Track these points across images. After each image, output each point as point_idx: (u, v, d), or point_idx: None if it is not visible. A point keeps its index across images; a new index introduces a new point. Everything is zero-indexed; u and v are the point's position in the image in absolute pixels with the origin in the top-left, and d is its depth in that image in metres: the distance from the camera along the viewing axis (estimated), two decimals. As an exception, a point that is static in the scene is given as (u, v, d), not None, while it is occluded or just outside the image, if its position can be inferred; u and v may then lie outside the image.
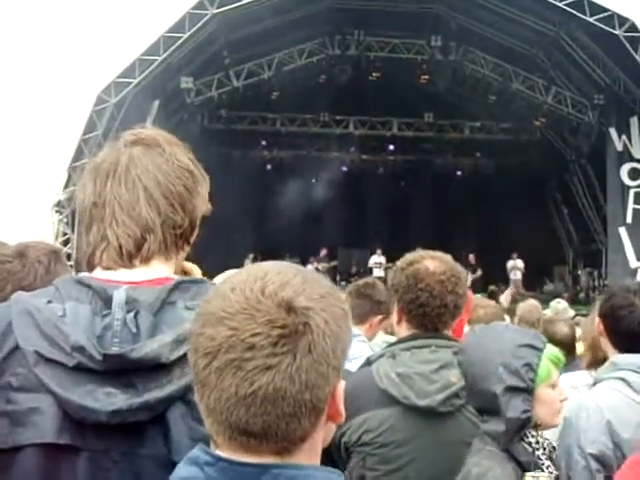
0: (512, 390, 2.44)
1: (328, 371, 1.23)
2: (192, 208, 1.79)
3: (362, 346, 4.37)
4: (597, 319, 3.23)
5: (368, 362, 3.00)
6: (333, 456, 3.08)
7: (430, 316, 2.89)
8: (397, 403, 2.80)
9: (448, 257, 3.02)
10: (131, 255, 1.73)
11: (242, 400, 1.19)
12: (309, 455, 1.27)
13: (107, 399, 1.54)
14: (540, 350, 2.50)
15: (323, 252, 26.76)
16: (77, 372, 1.55)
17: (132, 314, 1.62)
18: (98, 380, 1.55)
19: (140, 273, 1.72)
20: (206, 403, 1.23)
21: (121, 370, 1.56)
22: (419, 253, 3.02)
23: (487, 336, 2.62)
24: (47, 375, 1.55)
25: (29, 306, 1.62)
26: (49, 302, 1.64)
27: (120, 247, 1.72)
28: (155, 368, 1.56)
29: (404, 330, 3.00)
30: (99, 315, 1.62)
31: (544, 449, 2.48)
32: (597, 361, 3.94)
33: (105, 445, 1.56)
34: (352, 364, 3.90)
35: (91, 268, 1.76)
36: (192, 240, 1.85)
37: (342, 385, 1.29)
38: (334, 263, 26.38)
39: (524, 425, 2.45)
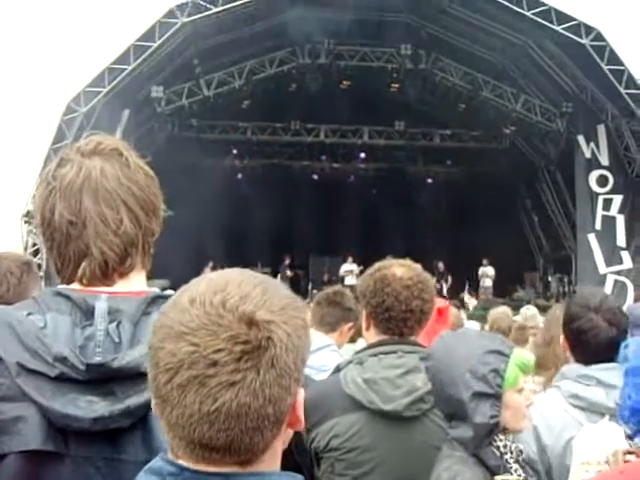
0: (479, 396, 2.45)
1: (290, 383, 1.22)
2: (159, 213, 1.82)
3: (333, 356, 4.38)
4: (562, 338, 3.28)
5: (337, 369, 3.05)
6: (296, 460, 3.09)
7: (396, 320, 2.94)
8: (363, 408, 2.84)
9: (416, 265, 3.07)
10: (114, 271, 1.74)
11: (206, 417, 1.18)
12: (269, 463, 1.27)
13: (89, 407, 1.56)
14: (507, 356, 2.51)
15: (287, 261, 26.82)
16: (59, 382, 1.57)
17: (114, 324, 1.64)
18: (79, 389, 1.57)
19: (119, 287, 1.74)
20: (167, 418, 1.21)
21: (102, 379, 1.58)
22: (388, 261, 3.08)
23: (454, 342, 2.63)
24: (29, 385, 1.56)
25: (10, 318, 1.63)
26: (29, 314, 1.65)
27: (106, 263, 1.73)
28: (135, 376, 1.57)
29: (372, 336, 3.05)
30: (79, 326, 1.63)
31: (511, 453, 2.50)
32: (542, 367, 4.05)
33: (88, 451, 1.58)
34: (324, 374, 3.91)
35: (69, 283, 1.76)
36: None
37: (302, 393, 1.29)
38: (290, 274, 26.33)
39: (492, 430, 2.46)
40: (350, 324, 4.64)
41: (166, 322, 1.22)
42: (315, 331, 4.71)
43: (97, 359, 1.58)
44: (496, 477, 2.39)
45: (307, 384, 3.32)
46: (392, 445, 2.81)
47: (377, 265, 3.06)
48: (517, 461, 2.51)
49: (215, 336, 1.18)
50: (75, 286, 1.74)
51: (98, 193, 1.73)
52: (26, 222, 20.93)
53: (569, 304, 3.32)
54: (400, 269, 2.99)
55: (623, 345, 2.56)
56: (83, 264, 1.73)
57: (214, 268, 23.78)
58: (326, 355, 4.40)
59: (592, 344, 3.09)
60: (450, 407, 2.53)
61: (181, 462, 1.23)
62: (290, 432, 1.32)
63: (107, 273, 1.73)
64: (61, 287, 1.75)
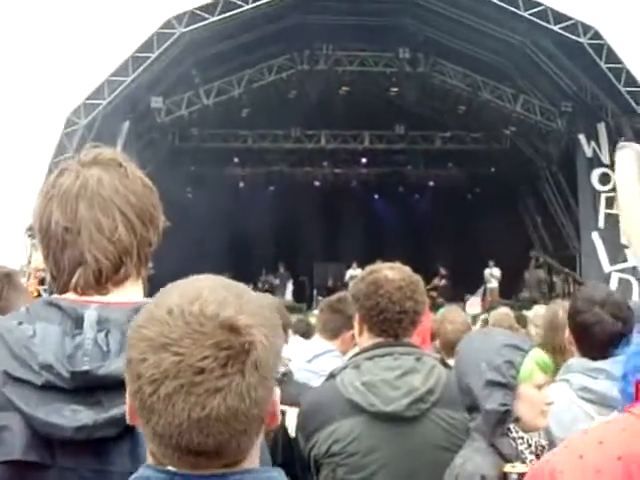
0: (492, 384, 2.52)
1: (271, 383, 1.26)
2: (158, 224, 1.82)
3: (336, 361, 4.38)
4: (567, 331, 3.28)
5: (332, 375, 3.05)
6: (294, 472, 3.10)
7: (390, 322, 2.97)
8: (363, 411, 2.85)
9: (406, 267, 3.12)
10: (108, 279, 1.74)
11: (195, 423, 1.19)
12: (252, 460, 1.30)
13: (73, 415, 1.56)
14: (524, 351, 2.59)
15: (281, 269, 26.86)
16: (45, 391, 1.57)
17: (103, 333, 1.64)
18: (65, 398, 1.57)
19: (113, 297, 1.74)
20: (153, 428, 1.22)
21: (89, 388, 1.58)
22: (377, 264, 3.13)
23: (477, 337, 2.80)
24: (15, 394, 1.57)
25: (0, 328, 1.65)
26: (20, 323, 1.66)
27: (100, 271, 1.73)
28: (122, 385, 1.54)
29: (366, 340, 3.07)
30: (69, 335, 1.63)
31: (529, 445, 2.54)
32: None
33: (74, 462, 1.58)
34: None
35: (64, 292, 1.76)
36: None
37: (278, 391, 1.32)
38: (275, 283, 26.34)
39: (504, 419, 2.52)
40: (353, 331, 4.64)
41: (146, 335, 1.23)
42: (318, 337, 4.72)
43: (84, 367, 1.58)
44: (507, 464, 2.45)
45: (302, 392, 3.33)
46: (393, 446, 2.83)
47: (368, 269, 3.11)
48: (537, 455, 2.53)
49: (199, 344, 1.20)
50: (69, 295, 1.74)
51: (94, 200, 1.74)
52: (29, 236, 20.97)
53: (574, 298, 3.34)
54: (391, 271, 3.04)
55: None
56: (77, 272, 1.73)
57: (229, 278, 23.80)
58: (328, 361, 4.40)
59: (597, 338, 3.10)
60: (468, 398, 2.60)
61: (170, 468, 1.25)
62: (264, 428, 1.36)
63: (101, 281, 1.73)
64: (54, 297, 1.75)
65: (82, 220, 1.73)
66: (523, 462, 2.48)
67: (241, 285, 1.33)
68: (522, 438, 2.54)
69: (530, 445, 2.54)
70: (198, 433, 1.19)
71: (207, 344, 1.20)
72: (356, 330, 3.12)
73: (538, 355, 2.62)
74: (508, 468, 2.43)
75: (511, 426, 2.54)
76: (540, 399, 2.59)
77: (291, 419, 3.30)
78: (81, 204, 1.73)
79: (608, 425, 1.51)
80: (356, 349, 4.92)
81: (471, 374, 2.58)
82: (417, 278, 3.08)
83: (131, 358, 1.24)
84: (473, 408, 2.59)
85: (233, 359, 1.20)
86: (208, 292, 1.26)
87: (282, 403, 3.70)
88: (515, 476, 2.40)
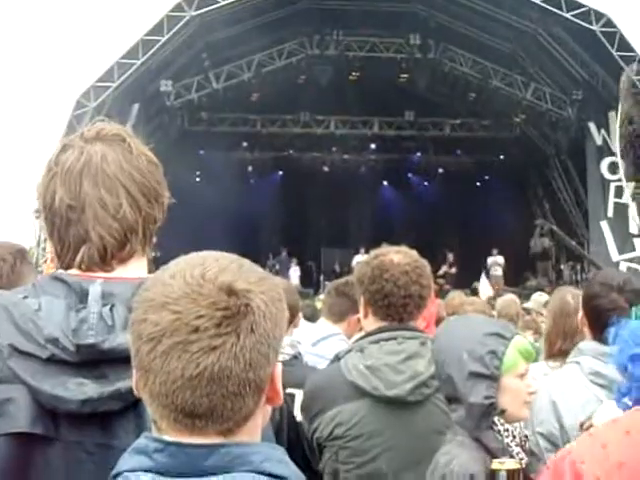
0: (475, 376, 2.45)
1: (269, 351, 1.27)
2: (163, 201, 1.82)
3: (341, 344, 4.39)
4: (580, 313, 3.25)
5: (337, 358, 3.05)
6: (306, 455, 3.10)
7: (395, 306, 2.96)
8: (367, 395, 2.85)
9: (413, 251, 3.09)
10: (113, 256, 1.74)
11: (188, 382, 1.21)
12: (251, 434, 1.31)
13: (78, 388, 1.57)
14: (507, 339, 2.50)
15: (284, 253, 26.84)
16: (50, 364, 1.58)
17: (108, 307, 1.64)
18: (71, 371, 1.58)
19: (116, 273, 1.74)
20: (150, 388, 1.25)
21: (94, 362, 1.59)
22: (385, 248, 3.11)
23: (458, 325, 2.68)
24: (20, 367, 1.58)
25: (5, 302, 1.65)
26: (25, 297, 1.67)
27: (105, 249, 1.72)
28: (127, 360, 1.54)
29: (371, 323, 3.06)
30: (74, 309, 1.64)
31: (514, 437, 2.48)
32: (553, 354, 4.00)
33: (79, 436, 1.58)
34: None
35: (68, 269, 1.76)
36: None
37: (280, 367, 1.33)
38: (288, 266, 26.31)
39: (488, 412, 2.45)
40: (359, 315, 4.65)
41: (148, 296, 1.27)
42: (324, 320, 4.73)
43: (89, 341, 1.59)
44: (494, 460, 2.37)
45: (308, 374, 3.34)
46: (396, 431, 2.82)
47: (374, 252, 3.09)
48: (521, 446, 2.49)
49: (196, 304, 1.23)
50: (73, 271, 1.74)
51: (98, 177, 1.73)
52: (37, 217, 21.01)
53: (591, 282, 3.27)
54: (397, 255, 3.02)
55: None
56: (82, 249, 1.73)
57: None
58: (334, 343, 4.41)
59: (611, 324, 3.07)
60: (449, 388, 2.53)
61: (165, 437, 1.26)
62: (269, 409, 1.37)
63: (106, 259, 1.73)
64: (59, 271, 1.75)
65: (86, 198, 1.72)
66: (511, 456, 2.42)
67: (248, 260, 1.35)
68: (507, 430, 2.48)
69: (515, 437, 2.49)
70: (192, 392, 1.22)
71: (204, 304, 1.22)
72: (361, 313, 3.11)
73: (521, 343, 2.55)
74: (496, 465, 2.35)
75: (495, 418, 2.48)
76: (523, 389, 2.53)
77: (299, 402, 3.32)
78: (85, 181, 1.72)
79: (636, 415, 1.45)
80: (361, 333, 4.95)
81: (452, 364, 2.50)
82: (423, 262, 3.05)
83: (133, 320, 1.28)
84: (453, 399, 2.53)
85: (228, 319, 1.23)
86: (212, 260, 1.30)
87: (291, 386, 3.75)
88: (504, 473, 2.32)
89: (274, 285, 1.33)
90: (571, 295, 4.48)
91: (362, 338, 3.06)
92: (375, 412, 2.85)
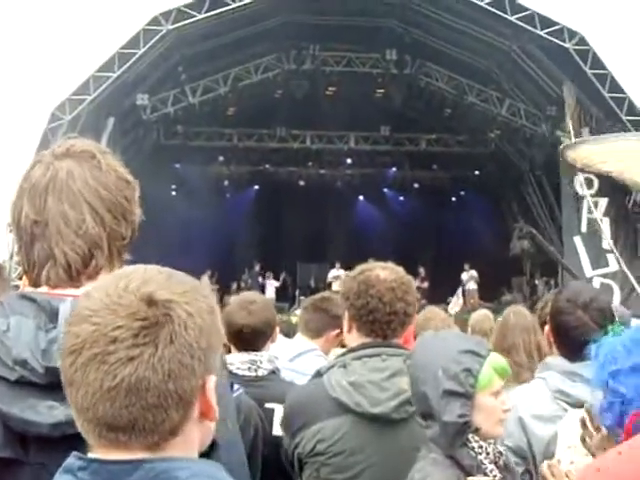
0: (450, 394, 2.42)
1: (193, 362, 1.25)
2: (132, 218, 1.79)
3: (318, 360, 4.37)
4: (547, 328, 3.27)
5: (319, 373, 3.02)
6: (285, 471, 3.08)
7: (380, 322, 2.93)
8: (349, 411, 2.82)
9: (399, 268, 3.07)
10: (79, 272, 1.72)
11: (107, 393, 1.20)
12: (184, 450, 1.28)
13: (48, 412, 1.54)
14: (482, 357, 2.48)
15: (257, 267, 26.80)
16: (19, 386, 1.55)
17: None
18: (40, 394, 1.56)
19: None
20: (75, 402, 1.24)
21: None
22: (371, 263, 3.08)
23: (432, 341, 2.63)
24: None
25: None
26: None
27: (69, 265, 1.70)
28: None
29: (354, 339, 3.03)
30: (43, 329, 1.61)
31: (487, 454, 2.46)
32: None
33: (47, 459, 1.55)
34: (307, 379, 3.91)
35: (36, 287, 1.74)
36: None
37: (213, 381, 1.30)
38: (262, 281, 26.26)
39: (463, 430, 2.43)
40: (337, 331, 4.63)
41: (74, 310, 1.27)
42: (301, 336, 4.71)
43: (59, 363, 1.57)
44: (468, 478, 2.36)
45: (289, 390, 3.32)
46: (379, 448, 2.80)
47: (360, 268, 3.05)
48: (495, 462, 2.47)
49: (115, 315, 1.22)
50: (43, 289, 1.72)
51: (63, 193, 1.71)
52: (10, 231, 20.80)
53: (558, 297, 3.26)
54: (383, 272, 2.99)
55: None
56: (47, 266, 1.71)
57: (212, 276, 23.78)
58: (311, 359, 4.39)
59: (577, 341, 3.05)
60: (423, 405, 2.51)
61: (90, 455, 1.25)
62: (210, 426, 1.34)
63: (72, 275, 1.72)
64: (28, 290, 1.73)
65: (50, 213, 1.71)
66: (485, 474, 2.40)
67: (182, 273, 1.34)
68: (481, 447, 2.45)
69: (489, 453, 2.47)
70: (111, 404, 1.20)
71: (123, 314, 1.22)
72: (345, 328, 3.07)
73: (495, 360, 2.52)
74: None
75: (470, 435, 2.45)
76: (498, 407, 2.50)
77: (278, 416, 3.30)
78: (50, 197, 1.71)
79: None
80: (338, 349, 4.94)
81: (427, 382, 2.47)
82: (409, 279, 3.04)
83: (59, 334, 1.30)
84: (428, 415, 2.50)
85: (146, 329, 1.21)
86: (139, 272, 1.29)
87: (270, 400, 3.70)
88: None
89: (202, 296, 1.31)
90: (513, 313, 4.57)
91: (345, 354, 3.03)
92: (358, 429, 2.83)
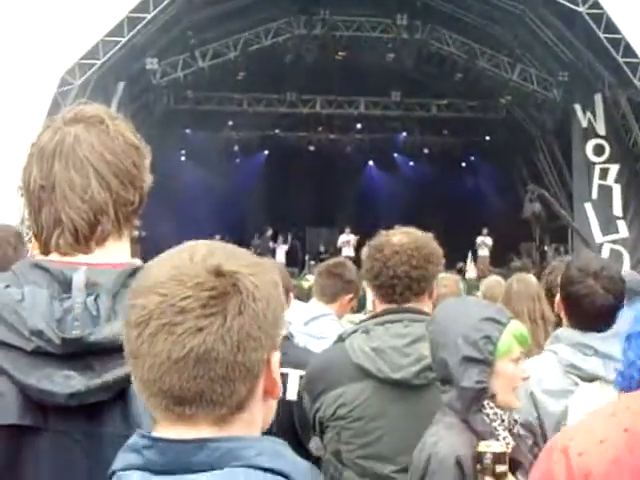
0: (468, 360, 2.45)
1: (260, 335, 1.24)
2: (141, 184, 1.78)
3: (333, 324, 4.43)
4: (557, 299, 3.27)
5: (340, 339, 3.03)
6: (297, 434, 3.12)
7: (385, 287, 2.94)
8: (371, 377, 2.84)
9: (420, 233, 3.04)
10: (87, 238, 1.71)
11: (175, 365, 1.20)
12: (248, 428, 1.27)
13: (65, 382, 1.54)
14: (502, 324, 2.51)
15: (269, 232, 26.79)
16: (35, 356, 1.55)
17: (92, 297, 1.62)
18: (56, 363, 1.56)
19: (97, 256, 1.72)
20: (140, 375, 1.24)
21: (79, 353, 1.57)
22: (396, 229, 3.07)
23: (454, 308, 2.65)
24: (5, 360, 1.55)
25: None
26: (7, 286, 1.63)
27: (76, 231, 1.70)
28: (112, 350, 1.55)
29: (377, 305, 3.04)
30: (57, 299, 1.61)
31: (502, 421, 2.50)
32: None
33: (67, 425, 1.57)
34: (322, 342, 3.96)
35: (47, 253, 1.74)
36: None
37: (278, 357, 1.30)
38: (273, 246, 26.26)
39: (480, 396, 2.46)
40: (350, 295, 4.68)
41: (138, 282, 1.27)
42: (316, 301, 4.76)
43: (75, 332, 1.57)
44: (481, 442, 2.39)
45: (302, 355, 3.35)
46: (399, 413, 2.81)
47: (382, 233, 3.06)
48: (509, 430, 2.50)
49: (182, 285, 1.21)
50: (53, 256, 1.72)
51: (69, 158, 1.71)
52: (21, 195, 20.80)
53: (569, 266, 3.27)
54: (399, 236, 2.98)
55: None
56: (56, 232, 1.71)
57: (222, 240, 23.82)
58: (325, 323, 4.44)
59: (589, 310, 3.05)
60: (442, 371, 2.54)
61: (156, 433, 1.25)
62: (273, 405, 1.33)
63: (80, 241, 1.71)
64: (39, 258, 1.73)
65: (56, 178, 1.70)
66: (497, 440, 2.43)
67: (243, 249, 1.34)
68: (496, 414, 2.49)
69: (503, 420, 2.50)
70: (179, 376, 1.20)
71: (190, 285, 1.21)
72: (370, 294, 3.10)
73: (516, 328, 2.54)
74: (482, 447, 2.38)
75: (485, 402, 2.48)
76: (517, 375, 2.54)
77: (292, 381, 3.32)
78: (56, 162, 1.71)
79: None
80: (350, 315, 4.98)
81: (447, 348, 2.50)
82: (422, 244, 2.98)
83: (124, 310, 1.27)
84: (446, 381, 2.54)
85: (214, 300, 1.21)
86: (202, 245, 1.29)
87: (284, 365, 3.75)
88: (490, 455, 2.35)
89: (268, 270, 1.30)
90: (517, 280, 4.58)
91: (368, 319, 3.04)
92: (379, 394, 2.84)
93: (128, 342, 1.24)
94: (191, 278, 1.21)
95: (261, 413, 1.30)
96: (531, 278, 4.81)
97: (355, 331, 2.98)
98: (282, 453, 1.26)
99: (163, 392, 1.21)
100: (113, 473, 1.25)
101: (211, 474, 1.19)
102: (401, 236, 2.99)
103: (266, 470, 1.21)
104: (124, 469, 1.23)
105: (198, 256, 1.24)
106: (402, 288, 2.93)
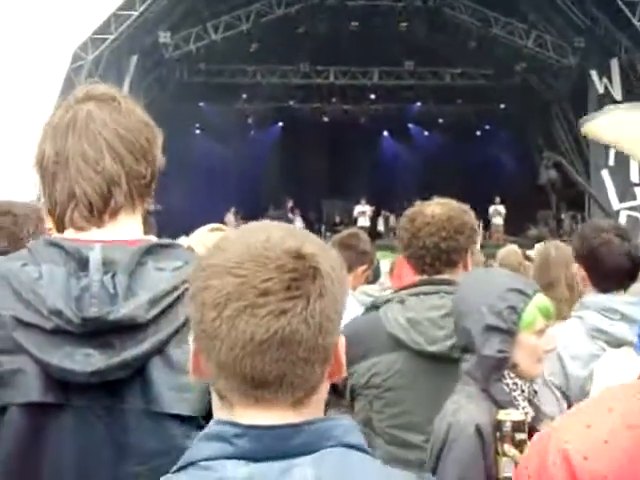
0: (491, 329, 2.45)
1: (336, 317, 1.24)
2: (153, 158, 1.79)
3: (348, 298, 4.44)
4: (576, 266, 3.27)
5: (374, 306, 3.01)
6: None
7: (415, 258, 2.94)
8: (405, 348, 2.84)
9: (455, 204, 3.01)
10: (100, 211, 1.73)
11: (258, 347, 1.18)
12: (319, 409, 1.27)
13: (85, 360, 1.56)
14: (528, 296, 2.50)
15: (289, 203, 26.78)
16: (55, 335, 1.56)
17: (109, 275, 1.62)
18: (76, 342, 1.57)
19: (111, 231, 1.73)
20: (216, 358, 1.21)
21: (99, 331, 1.58)
22: (434, 200, 3.04)
23: (480, 278, 2.65)
24: (25, 339, 1.57)
25: (4, 270, 1.63)
26: (24, 265, 1.63)
27: (90, 204, 1.72)
28: (131, 328, 1.57)
29: (410, 276, 3.07)
30: (74, 277, 1.62)
31: (522, 391, 2.50)
32: None
33: (88, 401, 1.58)
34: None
35: (62, 228, 1.76)
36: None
37: (343, 340, 1.29)
38: (292, 217, 26.25)
39: (500, 365, 2.46)
40: (364, 267, 4.68)
41: (209, 262, 1.23)
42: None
43: (93, 310, 1.57)
44: (500, 411, 2.40)
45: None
46: (432, 385, 2.79)
47: (417, 203, 3.05)
48: (529, 400, 2.51)
49: (263, 267, 1.19)
50: (69, 233, 1.74)
51: (82, 133, 1.74)
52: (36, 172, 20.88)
53: (582, 228, 3.31)
54: (432, 207, 2.96)
55: None
56: (70, 206, 1.73)
57: (237, 213, 23.81)
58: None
59: (606, 262, 3.06)
60: (465, 338, 2.54)
61: (239, 420, 1.22)
62: (328, 385, 1.31)
63: (94, 213, 1.73)
64: (55, 236, 1.74)
65: (69, 152, 1.73)
66: (517, 409, 2.43)
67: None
68: (516, 384, 2.49)
69: (523, 391, 2.50)
70: (261, 358, 1.18)
71: (271, 267, 1.19)
72: (383, 264, 3.10)
73: (541, 301, 2.52)
74: (502, 416, 2.38)
75: (505, 372, 2.48)
76: (540, 347, 2.52)
77: None
78: (70, 137, 1.73)
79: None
80: (364, 286, 4.98)
81: (470, 316, 2.50)
82: (455, 215, 2.95)
83: (194, 290, 1.24)
84: (467, 350, 2.53)
85: (298, 282, 1.19)
86: (275, 226, 1.27)
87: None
88: (509, 424, 2.35)
89: (335, 252, 1.30)
90: (555, 247, 4.55)
91: (402, 289, 3.02)
92: (412, 365, 2.83)
93: (203, 324, 1.21)
94: (271, 260, 1.19)
95: (325, 394, 1.30)
96: (565, 245, 4.78)
97: (389, 300, 2.96)
98: (358, 429, 1.27)
99: (243, 375, 1.19)
100: (191, 463, 1.21)
101: (311, 457, 1.19)
102: (435, 207, 2.96)
103: (352, 447, 1.23)
104: (211, 459, 1.19)
105: (275, 238, 1.22)
106: (431, 259, 2.92)
